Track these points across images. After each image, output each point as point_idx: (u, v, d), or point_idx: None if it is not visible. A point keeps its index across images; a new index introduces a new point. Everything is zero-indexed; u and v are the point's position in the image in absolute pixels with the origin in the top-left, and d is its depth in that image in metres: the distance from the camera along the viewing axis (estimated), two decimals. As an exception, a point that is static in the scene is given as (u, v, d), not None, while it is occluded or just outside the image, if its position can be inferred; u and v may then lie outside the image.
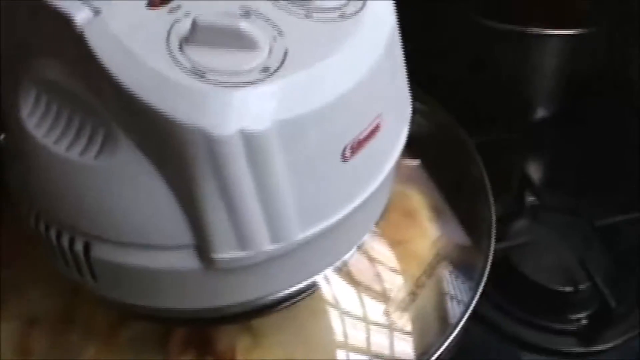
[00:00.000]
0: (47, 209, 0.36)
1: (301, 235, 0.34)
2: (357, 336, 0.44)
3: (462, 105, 0.56)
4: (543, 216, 0.62)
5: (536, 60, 0.67)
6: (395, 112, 0.37)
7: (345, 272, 0.45)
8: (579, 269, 0.57)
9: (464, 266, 0.49)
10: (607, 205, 0.62)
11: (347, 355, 0.44)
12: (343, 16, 0.34)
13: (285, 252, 0.34)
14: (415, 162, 0.53)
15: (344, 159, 0.34)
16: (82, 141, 0.33)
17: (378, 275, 0.47)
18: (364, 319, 0.45)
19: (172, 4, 0.33)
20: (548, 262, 0.58)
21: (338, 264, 0.40)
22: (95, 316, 0.43)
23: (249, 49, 0.31)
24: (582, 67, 0.68)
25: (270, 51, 0.32)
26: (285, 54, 0.32)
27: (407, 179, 0.51)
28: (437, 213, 0.51)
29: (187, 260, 0.34)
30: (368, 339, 0.45)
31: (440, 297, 0.47)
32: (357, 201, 0.36)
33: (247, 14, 0.33)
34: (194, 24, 0.31)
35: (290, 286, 0.38)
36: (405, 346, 0.45)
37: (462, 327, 0.45)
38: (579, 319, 0.58)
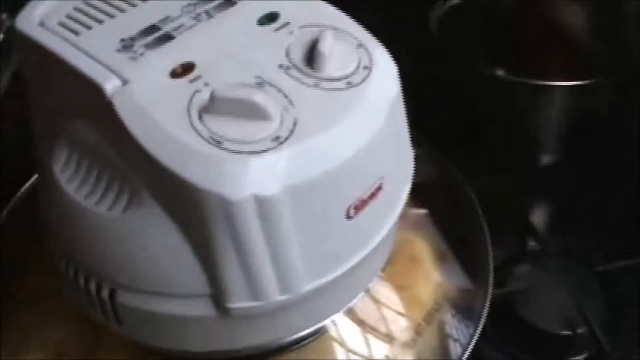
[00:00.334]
0: (77, 257, 0.39)
1: (308, 287, 0.37)
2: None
3: (466, 151, 0.59)
4: (544, 261, 0.63)
5: (540, 109, 0.69)
6: (397, 172, 0.40)
7: (352, 314, 0.47)
8: (577, 313, 0.59)
9: (465, 310, 0.51)
10: (608, 251, 0.64)
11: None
12: (350, 85, 0.37)
13: (294, 301, 0.37)
14: (420, 211, 0.55)
15: (348, 217, 0.36)
16: (110, 197, 0.36)
17: (383, 317, 0.49)
18: (370, 359, 0.48)
19: (192, 75, 0.36)
20: (548, 306, 0.60)
21: (345, 309, 0.42)
22: (117, 355, 0.45)
23: (262, 119, 0.34)
24: (585, 115, 0.70)
25: (282, 121, 0.34)
26: (295, 123, 0.35)
27: (412, 226, 0.54)
28: (440, 258, 0.54)
29: (204, 309, 0.37)
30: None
31: (442, 339, 0.49)
32: (361, 254, 0.38)
33: (261, 84, 0.36)
34: (213, 96, 0.34)
35: (299, 332, 0.41)
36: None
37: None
38: (576, 362, 0.60)
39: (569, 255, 0.64)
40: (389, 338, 0.48)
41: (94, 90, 0.35)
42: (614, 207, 0.68)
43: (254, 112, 0.34)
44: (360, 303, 0.46)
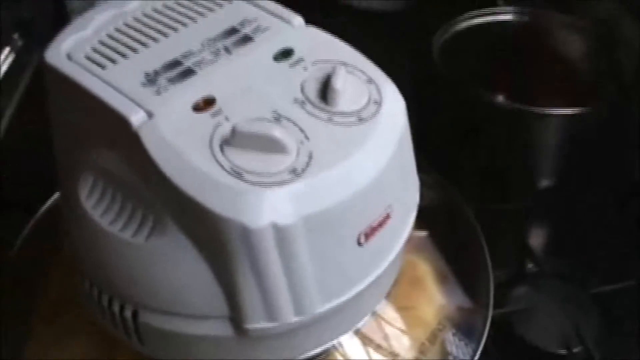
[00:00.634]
0: (101, 279, 0.41)
1: (321, 309, 0.39)
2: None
3: (467, 175, 0.61)
4: (542, 282, 0.65)
5: (538, 136, 0.71)
6: (404, 200, 0.42)
7: (358, 333, 0.49)
8: (573, 333, 0.61)
9: (466, 329, 0.53)
10: (603, 273, 0.66)
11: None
12: (361, 119, 0.39)
13: (308, 322, 0.39)
14: (422, 233, 0.57)
15: (359, 244, 0.39)
16: (135, 224, 0.38)
17: (387, 336, 0.51)
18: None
19: (213, 109, 0.39)
20: (545, 326, 0.61)
21: (353, 330, 0.45)
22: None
23: (280, 152, 0.36)
24: (583, 142, 0.72)
25: (298, 154, 0.37)
26: (310, 157, 0.37)
27: (414, 248, 0.55)
28: (442, 280, 0.56)
29: (222, 329, 0.39)
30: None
31: (445, 357, 0.52)
32: (371, 278, 0.40)
33: (277, 118, 0.38)
34: (234, 131, 0.36)
35: (311, 351, 0.42)
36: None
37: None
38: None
39: (566, 277, 0.66)
40: (393, 356, 0.50)
41: (120, 122, 0.38)
42: (609, 232, 0.70)
43: (273, 146, 0.36)
44: (367, 323, 0.47)
